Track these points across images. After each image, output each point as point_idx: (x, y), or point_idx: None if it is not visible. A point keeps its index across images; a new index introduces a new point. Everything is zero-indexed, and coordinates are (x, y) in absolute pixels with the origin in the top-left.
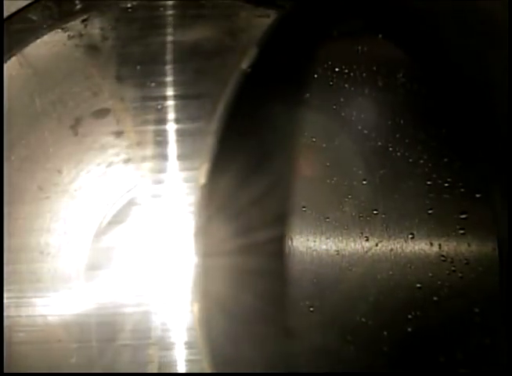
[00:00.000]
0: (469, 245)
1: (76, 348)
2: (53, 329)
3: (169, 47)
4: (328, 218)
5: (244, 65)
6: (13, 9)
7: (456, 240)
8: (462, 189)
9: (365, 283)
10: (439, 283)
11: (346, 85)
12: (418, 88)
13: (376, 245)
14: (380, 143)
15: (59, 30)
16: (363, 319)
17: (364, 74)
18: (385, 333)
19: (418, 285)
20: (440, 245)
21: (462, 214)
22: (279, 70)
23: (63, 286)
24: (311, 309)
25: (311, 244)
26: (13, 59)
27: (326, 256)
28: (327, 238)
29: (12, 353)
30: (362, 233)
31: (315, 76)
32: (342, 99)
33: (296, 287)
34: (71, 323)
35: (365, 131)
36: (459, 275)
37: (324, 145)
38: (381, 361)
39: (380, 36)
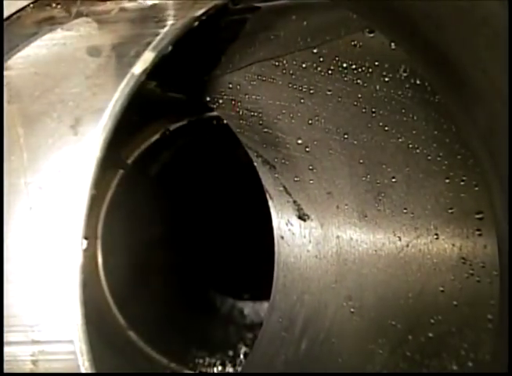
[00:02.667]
0: (485, 247)
1: None
2: None
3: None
4: (366, 216)
5: (137, 70)
6: (13, 9)
7: (474, 241)
8: (476, 188)
9: (398, 285)
10: (459, 286)
11: (359, 81)
12: (422, 85)
13: (407, 246)
14: (400, 140)
15: (60, 30)
16: (393, 323)
17: (370, 70)
18: (410, 337)
19: (441, 288)
20: (460, 247)
21: (478, 214)
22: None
23: None
24: (352, 310)
25: (354, 243)
26: (13, 58)
27: (366, 256)
28: (367, 237)
29: None
30: (394, 233)
31: (330, 72)
32: (359, 96)
33: (342, 286)
34: None
35: (387, 128)
36: (477, 279)
37: (355, 142)
38: (404, 365)
39: (379, 34)
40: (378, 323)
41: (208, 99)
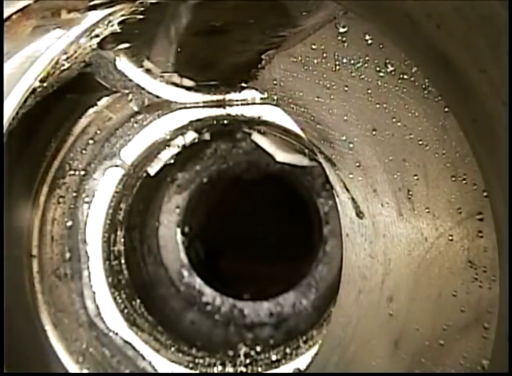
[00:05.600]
0: (485, 250)
1: None
2: None
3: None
4: (402, 215)
5: (30, 79)
6: (13, 9)
7: (478, 243)
8: (475, 187)
9: (424, 288)
10: (466, 291)
11: (363, 76)
12: (409, 79)
13: (431, 247)
14: (412, 136)
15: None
16: (417, 327)
17: (366, 65)
18: (427, 343)
19: (454, 293)
20: (468, 249)
21: (478, 214)
22: None
23: None
24: (391, 312)
25: (395, 243)
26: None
27: (403, 256)
28: (404, 237)
29: None
30: (422, 233)
31: (338, 68)
32: (369, 91)
33: (386, 287)
34: None
35: (399, 124)
36: (479, 284)
37: (382, 138)
38: (418, 371)
39: (354, 28)
40: (407, 328)
41: (266, 95)
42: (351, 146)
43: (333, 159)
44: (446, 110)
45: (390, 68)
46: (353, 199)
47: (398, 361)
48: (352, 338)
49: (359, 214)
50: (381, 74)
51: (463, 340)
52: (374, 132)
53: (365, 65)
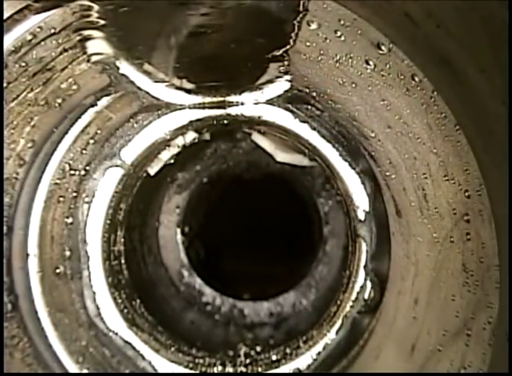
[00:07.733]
0: (472, 253)
1: None
2: None
3: None
4: (423, 214)
5: None
6: (13, 9)
7: (467, 246)
8: (460, 187)
9: (436, 291)
10: (461, 296)
11: (359, 72)
12: (387, 75)
13: (441, 248)
14: (412, 134)
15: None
16: (428, 332)
17: (354, 61)
18: (430, 348)
19: (452, 297)
20: (462, 252)
21: (465, 215)
22: None
23: None
24: (414, 315)
25: (421, 244)
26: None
27: (425, 257)
28: (426, 237)
29: None
30: (435, 233)
31: (339, 64)
32: (370, 88)
33: (415, 289)
34: None
35: (401, 121)
36: (468, 288)
37: (395, 136)
38: None
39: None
40: (422, 332)
41: (308, 91)
42: (379, 143)
43: (374, 156)
44: (425, 107)
45: (371, 64)
46: (393, 197)
47: (410, 365)
48: (387, 341)
49: (398, 213)
50: (368, 71)
51: (453, 346)
52: (390, 129)
53: (354, 62)
